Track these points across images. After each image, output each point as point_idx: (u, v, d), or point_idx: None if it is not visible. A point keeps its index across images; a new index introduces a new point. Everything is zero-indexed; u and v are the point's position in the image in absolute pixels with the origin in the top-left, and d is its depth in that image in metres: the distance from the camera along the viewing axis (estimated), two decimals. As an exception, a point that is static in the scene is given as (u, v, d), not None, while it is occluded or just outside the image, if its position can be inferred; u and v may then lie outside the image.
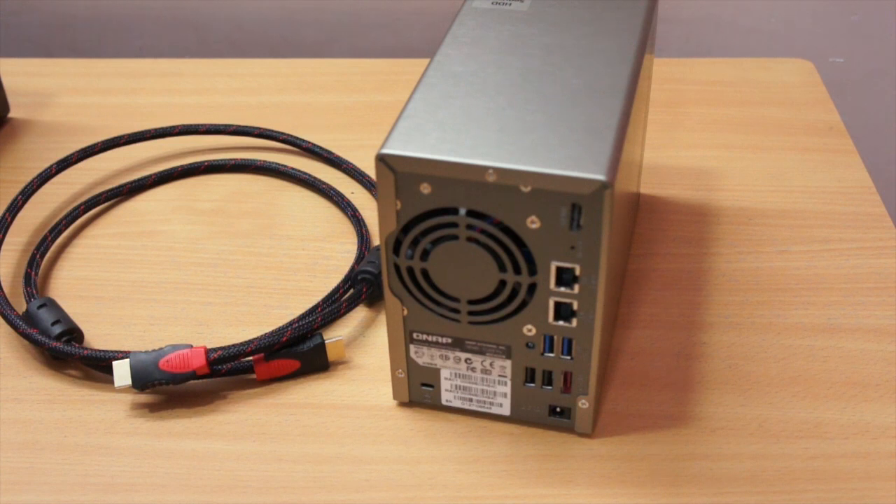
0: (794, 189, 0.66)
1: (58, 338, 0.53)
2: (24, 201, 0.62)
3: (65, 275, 0.60)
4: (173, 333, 0.55)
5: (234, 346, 0.51)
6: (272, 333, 0.52)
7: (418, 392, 0.50)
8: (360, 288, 0.55)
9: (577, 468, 0.47)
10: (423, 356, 0.48)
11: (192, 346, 0.51)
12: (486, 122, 0.43)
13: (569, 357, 0.46)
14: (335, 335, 0.54)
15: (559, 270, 0.43)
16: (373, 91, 0.77)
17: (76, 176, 0.67)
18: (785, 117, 0.73)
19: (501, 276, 0.44)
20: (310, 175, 0.66)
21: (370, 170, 0.67)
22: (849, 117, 0.74)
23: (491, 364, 0.47)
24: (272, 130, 0.70)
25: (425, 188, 0.42)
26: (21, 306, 0.56)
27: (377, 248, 0.58)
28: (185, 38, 0.91)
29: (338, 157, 0.68)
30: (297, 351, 0.52)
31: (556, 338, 0.45)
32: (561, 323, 0.45)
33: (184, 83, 0.78)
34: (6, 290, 0.58)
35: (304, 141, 0.69)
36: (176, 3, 0.89)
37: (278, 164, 0.68)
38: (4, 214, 0.60)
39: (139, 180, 0.66)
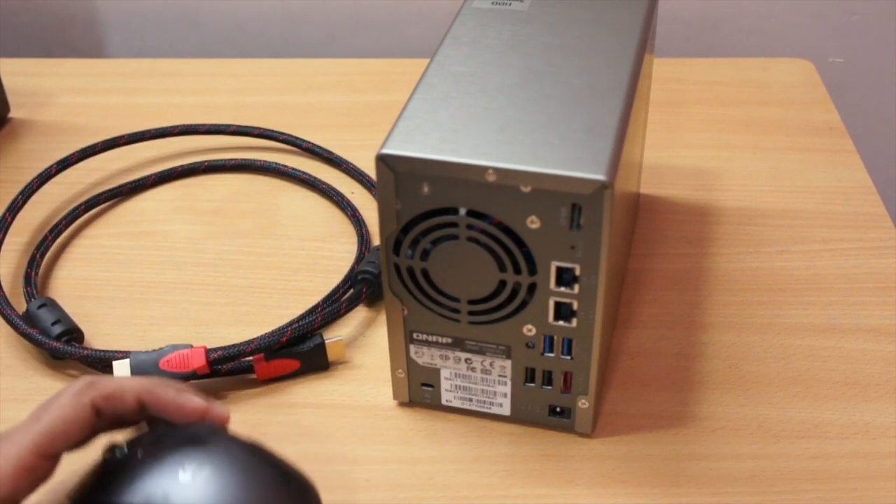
0: (794, 189, 0.66)
1: (58, 338, 0.53)
2: (24, 201, 0.62)
3: (65, 275, 0.60)
4: (173, 333, 0.55)
5: (234, 346, 0.51)
6: (272, 333, 0.52)
7: (418, 392, 0.50)
8: (360, 288, 0.55)
9: (577, 468, 0.47)
10: (423, 356, 0.48)
11: (192, 346, 0.51)
12: (486, 122, 0.43)
13: (569, 357, 0.46)
14: (335, 335, 0.54)
15: (559, 270, 0.43)
16: (373, 91, 0.77)
17: (76, 176, 0.67)
18: (785, 117, 0.73)
19: (501, 276, 0.44)
20: (310, 175, 0.66)
21: (370, 170, 0.67)
22: (849, 117, 0.74)
23: (491, 364, 0.47)
24: (272, 130, 0.70)
25: (425, 188, 0.42)
26: (21, 306, 0.56)
27: (377, 248, 0.58)
28: (185, 38, 0.91)
29: (338, 157, 0.68)
30: (297, 351, 0.52)
31: (556, 338, 0.45)
32: (561, 323, 0.45)
33: (184, 83, 0.78)
34: (6, 290, 0.58)
35: (304, 141, 0.69)
36: (176, 3, 0.89)
37: (278, 164, 0.67)
38: (4, 214, 0.60)
39: (139, 180, 0.66)
